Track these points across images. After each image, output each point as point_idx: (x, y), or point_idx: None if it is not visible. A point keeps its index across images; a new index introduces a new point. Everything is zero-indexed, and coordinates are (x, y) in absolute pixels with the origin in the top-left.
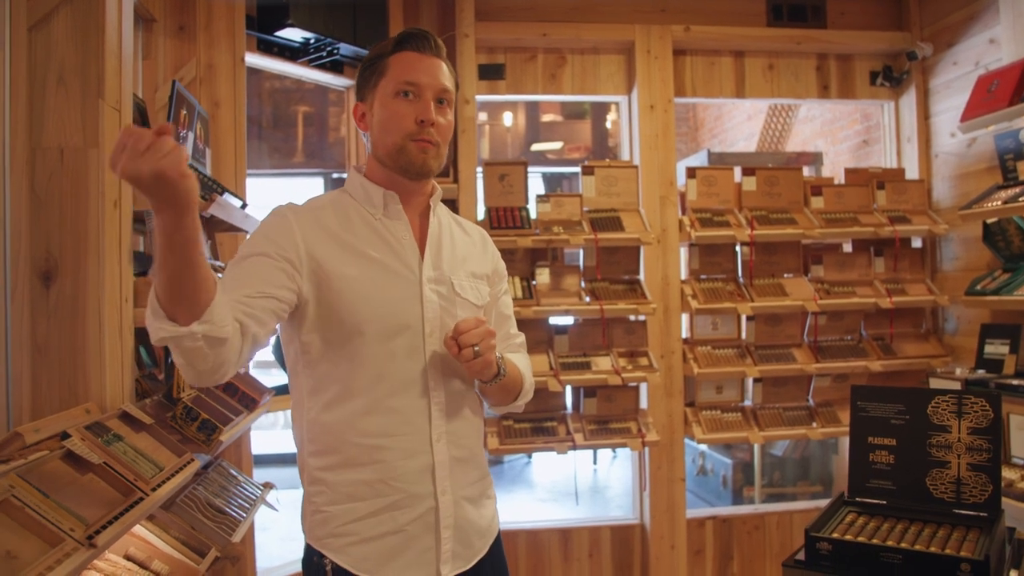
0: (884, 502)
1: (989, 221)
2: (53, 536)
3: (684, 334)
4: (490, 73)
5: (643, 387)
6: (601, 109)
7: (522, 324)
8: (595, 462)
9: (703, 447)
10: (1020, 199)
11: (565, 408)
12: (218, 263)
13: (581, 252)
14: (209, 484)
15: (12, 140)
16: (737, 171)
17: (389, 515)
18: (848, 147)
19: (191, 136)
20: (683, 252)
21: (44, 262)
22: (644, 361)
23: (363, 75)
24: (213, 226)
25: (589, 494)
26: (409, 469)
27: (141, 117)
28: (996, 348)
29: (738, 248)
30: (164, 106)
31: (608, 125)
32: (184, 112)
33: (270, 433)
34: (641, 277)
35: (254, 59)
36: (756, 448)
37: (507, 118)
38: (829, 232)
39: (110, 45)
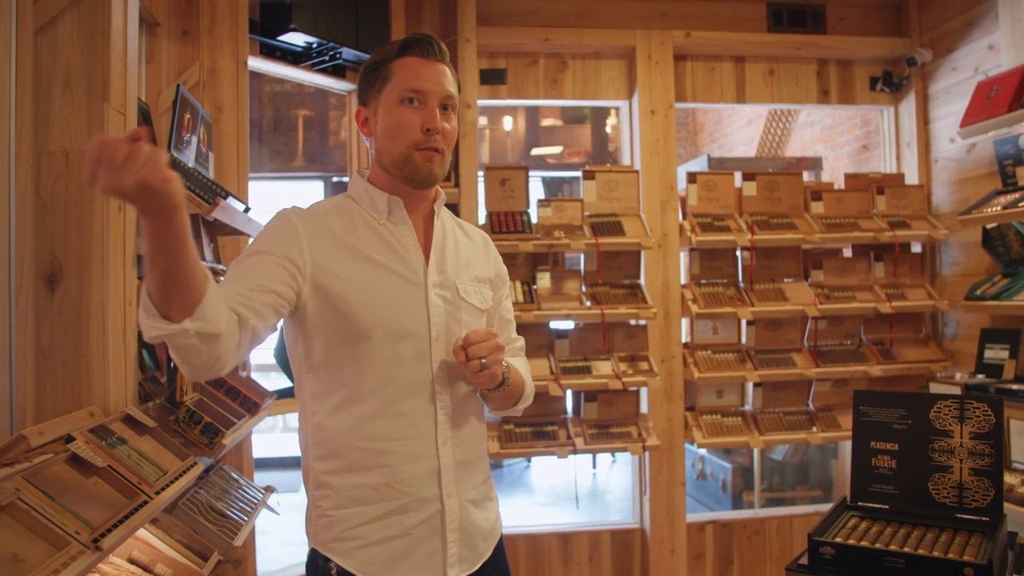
0: (886, 507)
1: (989, 226)
2: (59, 539)
3: (684, 338)
4: (491, 78)
5: (643, 391)
6: (601, 114)
7: (523, 328)
8: (594, 466)
9: (702, 452)
10: (1020, 204)
11: (566, 412)
12: (220, 267)
13: (582, 256)
14: (211, 487)
15: (18, 143)
16: (738, 176)
17: (395, 519)
18: (847, 152)
19: (195, 140)
20: (683, 257)
21: (48, 265)
22: (645, 365)
23: (366, 79)
24: (216, 230)
25: (588, 498)
26: (415, 473)
27: (145, 121)
28: (996, 353)
29: (738, 253)
30: (168, 110)
31: (608, 129)
32: (188, 116)
33: (270, 437)
34: (642, 281)
35: (257, 63)
36: (755, 453)
37: (507, 122)
38: (829, 237)
39: (115, 49)
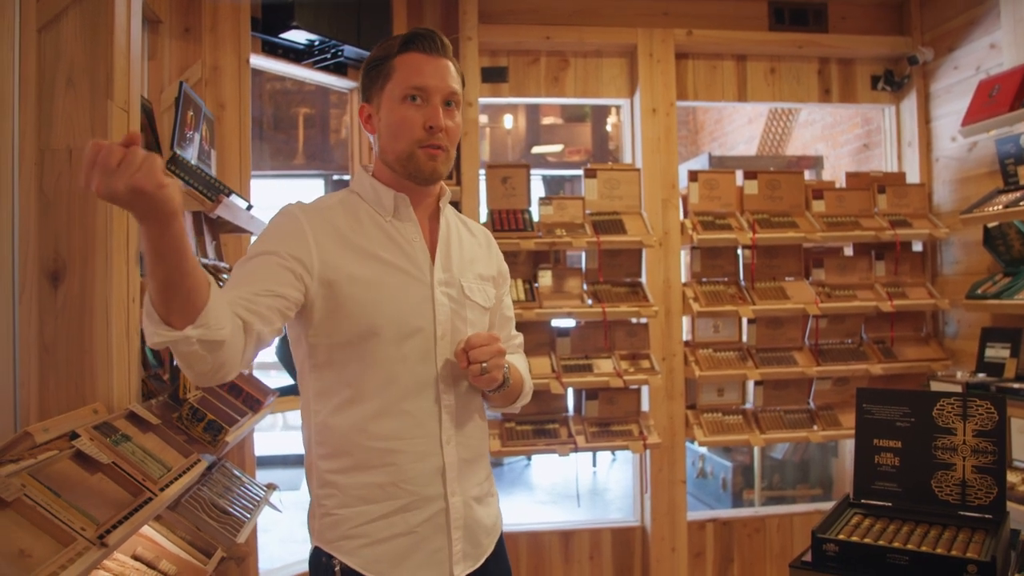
0: (889, 504)
1: (990, 225)
2: (65, 535)
3: (685, 337)
4: (493, 76)
5: (644, 389)
6: (601, 112)
7: (524, 326)
8: (594, 465)
9: (702, 450)
10: (1021, 203)
11: (567, 410)
12: (223, 264)
13: (583, 255)
14: (213, 485)
15: (21, 141)
16: (739, 175)
17: (401, 517)
18: (848, 151)
19: (197, 137)
20: (685, 255)
21: (52, 262)
22: (646, 364)
23: (368, 75)
24: (219, 227)
25: (588, 496)
26: (420, 471)
27: (147, 118)
28: (997, 352)
29: (739, 251)
30: (170, 107)
31: (608, 128)
32: (191, 113)
33: (270, 435)
34: (643, 280)
35: (259, 61)
36: (756, 451)
37: (508, 120)
38: (830, 236)
39: (119, 46)
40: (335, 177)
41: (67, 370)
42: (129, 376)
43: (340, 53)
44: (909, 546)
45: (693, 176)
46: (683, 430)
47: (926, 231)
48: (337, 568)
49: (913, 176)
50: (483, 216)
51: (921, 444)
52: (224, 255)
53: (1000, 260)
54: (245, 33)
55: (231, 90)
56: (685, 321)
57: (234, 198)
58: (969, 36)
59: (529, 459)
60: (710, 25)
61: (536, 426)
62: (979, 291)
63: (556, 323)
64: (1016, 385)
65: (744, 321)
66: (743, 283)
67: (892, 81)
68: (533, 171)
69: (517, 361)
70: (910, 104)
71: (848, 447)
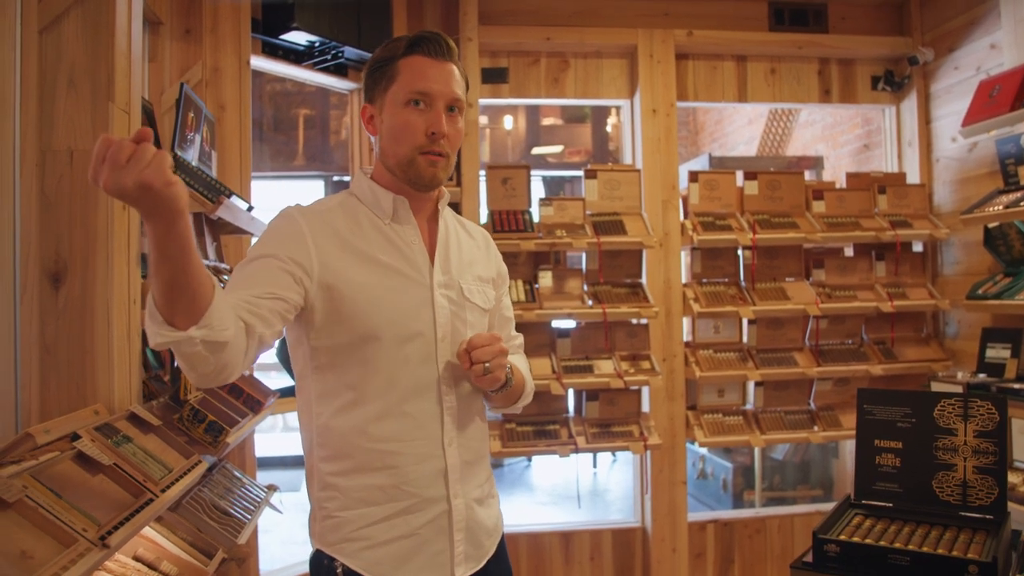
0: (890, 505)
1: (990, 225)
2: (66, 536)
3: (686, 337)
4: (493, 77)
5: (645, 390)
6: (601, 113)
7: (524, 327)
8: (595, 466)
9: (703, 451)
10: (1021, 204)
11: (567, 411)
12: (223, 265)
13: (584, 255)
14: (214, 486)
15: (22, 142)
16: (739, 175)
17: (403, 519)
18: (849, 151)
19: (198, 138)
20: (685, 256)
21: (53, 263)
22: (646, 364)
23: (372, 76)
24: (219, 228)
25: (589, 497)
26: (422, 473)
27: (148, 120)
28: (997, 352)
29: (740, 252)
30: (170, 108)
31: (608, 129)
32: (191, 114)
33: (271, 436)
34: (643, 280)
35: (259, 62)
36: (756, 452)
37: (507, 121)
38: (830, 236)
39: (120, 47)
40: (335, 178)
41: (68, 371)
42: (130, 377)
43: (340, 54)
44: (910, 547)
45: (693, 177)
46: (683, 431)
47: (926, 231)
48: (339, 570)
49: (913, 176)
50: (483, 217)
51: (922, 445)
52: (225, 256)
53: (1001, 260)
54: (245, 34)
55: (231, 91)
56: (685, 322)
57: (235, 199)
58: (969, 36)
59: (529, 460)
60: (710, 26)
61: (536, 427)
62: (980, 291)
63: (556, 324)
64: (1017, 386)
65: (744, 322)
66: (743, 284)
67: (892, 81)
68: (533, 172)
69: (518, 362)
70: (910, 104)
71: (849, 448)
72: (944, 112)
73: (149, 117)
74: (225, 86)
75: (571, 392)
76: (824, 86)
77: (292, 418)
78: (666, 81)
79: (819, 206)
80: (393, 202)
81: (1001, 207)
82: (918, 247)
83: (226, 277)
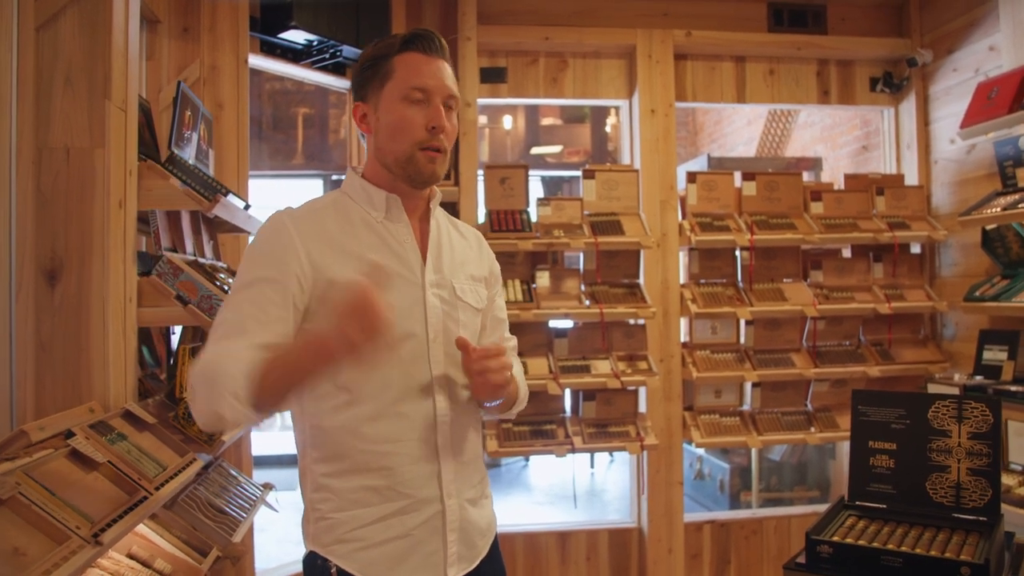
0: (884, 506)
1: (988, 227)
2: (59, 533)
3: (683, 338)
4: (492, 76)
5: (642, 391)
6: (600, 113)
7: (522, 327)
8: (592, 466)
9: (700, 452)
10: (1019, 206)
11: (564, 411)
12: (220, 264)
13: (581, 256)
14: (209, 484)
15: (19, 139)
16: (737, 176)
17: (397, 520)
18: (847, 152)
19: (195, 137)
20: (683, 256)
21: (49, 261)
22: (643, 365)
23: (364, 74)
24: (216, 227)
25: (586, 498)
26: (417, 474)
27: (145, 118)
28: (994, 354)
29: (738, 253)
30: (168, 107)
31: (607, 129)
32: (189, 113)
33: (268, 434)
34: (641, 281)
35: (257, 61)
36: (753, 453)
37: (507, 121)
38: (828, 237)
39: (117, 45)
40: (334, 177)
41: (64, 369)
42: (125, 375)
43: (339, 53)
44: (903, 548)
45: (691, 177)
46: (680, 431)
47: (924, 233)
48: (333, 571)
49: (912, 178)
50: (481, 217)
51: (916, 446)
52: (222, 255)
53: (998, 262)
54: (244, 33)
55: (229, 90)
56: (683, 322)
57: (231, 198)
58: (968, 38)
59: (527, 460)
60: (709, 26)
61: (533, 427)
62: (977, 293)
63: (554, 324)
64: (1013, 388)
65: (742, 323)
66: (741, 284)
67: (891, 83)
68: (532, 172)
69: (514, 368)
70: (909, 106)
71: (846, 449)
72: (943, 114)
73: (146, 115)
74: (223, 85)
75: (568, 392)
76: (823, 87)
77: (289, 416)
78: (665, 81)
79: (817, 207)
80: (386, 200)
81: (999, 209)
82: (916, 249)
83: (223, 276)
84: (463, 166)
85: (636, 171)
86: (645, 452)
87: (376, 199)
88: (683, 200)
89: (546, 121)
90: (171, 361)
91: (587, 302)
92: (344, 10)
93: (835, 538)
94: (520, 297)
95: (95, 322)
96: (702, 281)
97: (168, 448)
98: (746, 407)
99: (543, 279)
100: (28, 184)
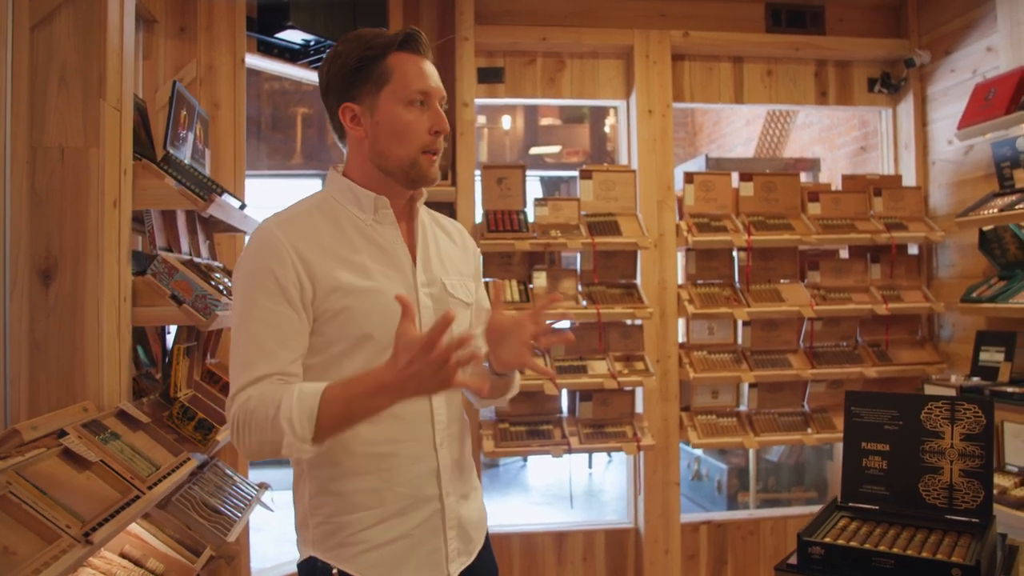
0: (877, 507)
1: (985, 228)
2: (49, 533)
3: (680, 339)
4: (489, 76)
5: (639, 391)
6: (599, 113)
7: None
8: (590, 466)
9: (698, 452)
10: (1016, 207)
11: (561, 412)
12: (216, 263)
13: (578, 256)
14: (205, 484)
15: (13, 139)
16: (735, 177)
17: (398, 520)
18: (846, 153)
19: (191, 136)
20: (680, 257)
21: (44, 260)
22: (640, 365)
23: (356, 75)
24: (212, 227)
25: (584, 498)
26: (416, 474)
27: (141, 118)
28: (991, 355)
29: (735, 253)
30: (165, 106)
31: (607, 129)
32: (184, 112)
33: None
34: (638, 281)
35: (254, 60)
36: (751, 453)
37: (506, 121)
38: (826, 238)
39: (112, 45)
40: None
41: (58, 368)
42: (120, 374)
43: None
44: (895, 550)
45: (689, 178)
46: (677, 432)
47: (922, 234)
48: (335, 573)
49: (910, 179)
50: (478, 216)
51: (909, 447)
52: (218, 254)
53: (995, 263)
54: (240, 33)
55: (226, 90)
56: (680, 323)
57: (227, 197)
58: (966, 39)
59: (525, 460)
60: (707, 27)
61: (530, 427)
62: (974, 294)
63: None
64: (1010, 389)
65: (739, 323)
66: (738, 285)
67: (889, 84)
68: (531, 172)
69: None
70: (907, 107)
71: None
72: (940, 115)
73: (142, 115)
74: (220, 84)
75: (565, 392)
76: (821, 88)
77: None
78: (662, 82)
79: (814, 208)
80: (375, 202)
81: (996, 210)
82: (913, 250)
83: (218, 275)
84: (460, 166)
85: (633, 171)
86: (642, 452)
87: (364, 201)
88: (680, 201)
89: (545, 121)
90: (166, 360)
91: (584, 302)
92: (341, 10)
93: (827, 539)
94: (517, 297)
95: (89, 321)
96: (699, 282)
97: (162, 447)
98: (743, 408)
99: (540, 279)
100: (22, 183)
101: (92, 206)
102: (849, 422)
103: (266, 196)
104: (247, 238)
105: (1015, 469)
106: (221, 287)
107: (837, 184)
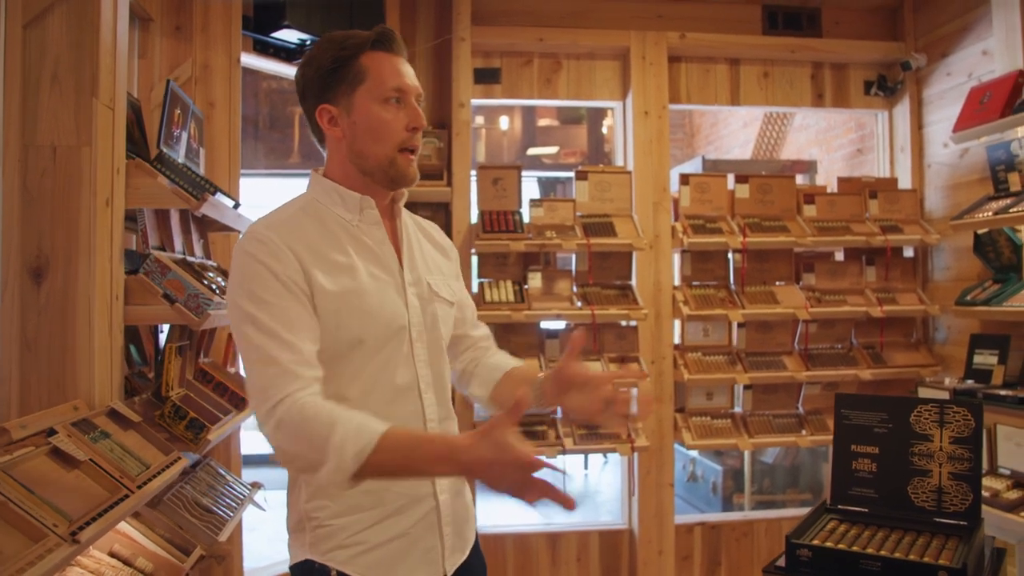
0: (866, 510)
1: (980, 232)
2: (36, 531)
3: (675, 340)
4: (486, 77)
5: (633, 392)
6: (597, 114)
7: (513, 328)
8: (586, 467)
9: (693, 454)
10: (1011, 210)
11: (555, 413)
12: (210, 263)
13: (574, 257)
14: (197, 483)
15: (5, 137)
16: (730, 178)
17: (394, 520)
18: (842, 156)
19: (185, 135)
20: (675, 258)
21: (35, 259)
22: (635, 367)
23: (331, 76)
24: (206, 226)
25: (580, 499)
26: None
27: (135, 116)
28: (985, 358)
29: (730, 255)
30: (159, 105)
31: (604, 130)
32: (178, 111)
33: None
34: (633, 283)
35: (250, 60)
36: (746, 455)
37: (504, 122)
38: (821, 240)
39: (104, 43)
40: None
41: (49, 367)
42: (111, 373)
43: None
44: (882, 552)
45: (684, 179)
46: (671, 433)
47: (917, 237)
48: (333, 574)
49: (905, 182)
50: (474, 217)
51: (898, 450)
52: (212, 253)
53: (990, 267)
54: (236, 32)
55: (221, 89)
56: (675, 324)
57: (220, 196)
58: (962, 42)
59: None
60: (703, 28)
61: (524, 428)
62: (968, 297)
63: (545, 325)
64: (1003, 392)
65: (734, 325)
66: (733, 287)
67: (885, 86)
68: (529, 173)
69: (511, 360)
70: (903, 110)
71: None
72: (936, 118)
73: (136, 114)
74: (215, 83)
75: None
76: (817, 90)
77: None
78: (658, 83)
79: (810, 210)
80: (360, 203)
81: (991, 213)
82: (909, 252)
83: (211, 274)
84: (456, 167)
85: (629, 173)
86: (636, 454)
87: (349, 202)
88: (676, 202)
89: (543, 122)
90: (159, 359)
91: (579, 303)
92: (337, 10)
93: (815, 542)
94: (512, 298)
95: (81, 320)
96: (694, 283)
97: (153, 447)
98: (737, 409)
99: (535, 280)
100: (14, 182)
101: (84, 205)
102: (839, 424)
103: (263, 195)
104: (235, 252)
105: (1008, 472)
106: (214, 286)
107: (834, 186)
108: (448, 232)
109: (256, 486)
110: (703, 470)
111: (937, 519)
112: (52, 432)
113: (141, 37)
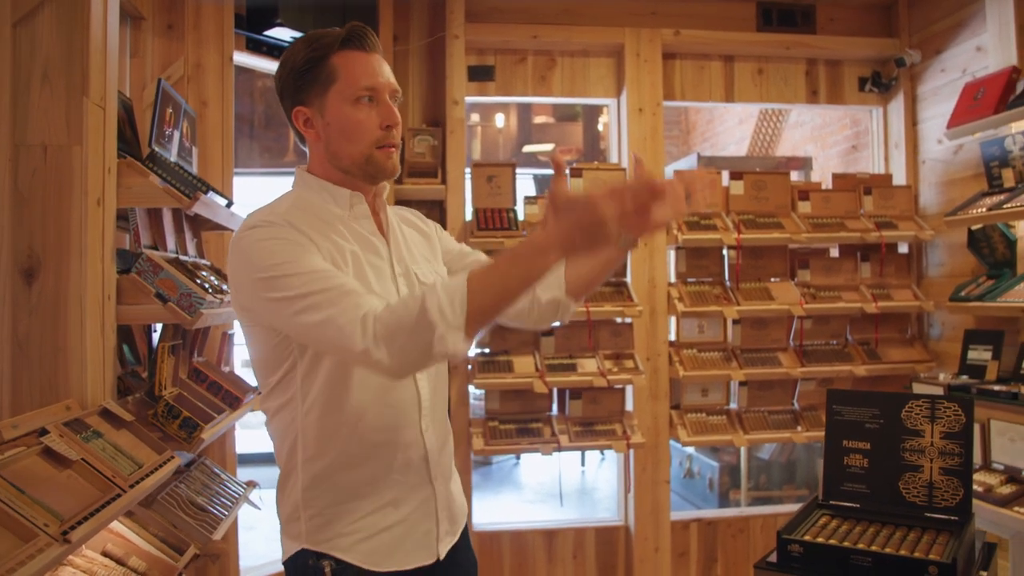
0: (857, 505)
1: (974, 228)
2: (27, 531)
3: (670, 337)
4: (480, 75)
5: (629, 389)
6: (593, 112)
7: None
8: (583, 464)
9: (689, 450)
10: (1004, 206)
11: (550, 410)
12: (203, 261)
13: None
14: (191, 482)
15: None
16: (725, 175)
17: (392, 507)
18: (837, 152)
19: (177, 134)
20: (670, 255)
21: (26, 259)
22: (630, 363)
23: (303, 78)
24: (199, 225)
25: (576, 496)
26: (407, 461)
27: (127, 115)
28: (979, 354)
29: (725, 252)
30: (151, 104)
31: (600, 128)
32: (170, 110)
33: (255, 432)
34: (628, 279)
35: (243, 58)
36: (742, 451)
37: (499, 119)
38: (816, 237)
39: (95, 42)
40: None
41: (40, 367)
42: (104, 373)
43: None
44: (873, 547)
45: None
46: (667, 430)
47: (911, 233)
48: (327, 569)
49: (900, 178)
50: (468, 214)
51: (889, 446)
52: (205, 252)
53: (984, 262)
54: (229, 31)
55: (214, 87)
56: (670, 321)
57: (212, 195)
58: (956, 38)
59: (518, 458)
60: (698, 25)
61: (520, 425)
62: (963, 293)
63: None
64: (997, 387)
65: (729, 322)
66: (728, 283)
67: (880, 83)
68: (524, 170)
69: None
70: (897, 106)
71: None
72: (930, 114)
73: (127, 112)
74: (208, 82)
75: (555, 390)
76: (811, 87)
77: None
78: (653, 80)
79: (804, 206)
80: (349, 197)
81: (984, 209)
82: (903, 248)
83: (205, 273)
84: (450, 164)
85: (623, 170)
86: (632, 450)
87: (339, 196)
88: None
89: (538, 119)
90: (152, 358)
91: None
92: (331, 9)
93: (807, 537)
94: None
95: (72, 320)
96: (689, 280)
97: (146, 446)
98: (733, 406)
99: None
100: (5, 181)
101: (75, 204)
102: (830, 420)
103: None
104: (234, 245)
105: (1001, 467)
106: (207, 285)
107: (828, 183)
108: None
109: (251, 485)
110: (699, 466)
111: (928, 514)
112: (44, 432)
113: (133, 35)
